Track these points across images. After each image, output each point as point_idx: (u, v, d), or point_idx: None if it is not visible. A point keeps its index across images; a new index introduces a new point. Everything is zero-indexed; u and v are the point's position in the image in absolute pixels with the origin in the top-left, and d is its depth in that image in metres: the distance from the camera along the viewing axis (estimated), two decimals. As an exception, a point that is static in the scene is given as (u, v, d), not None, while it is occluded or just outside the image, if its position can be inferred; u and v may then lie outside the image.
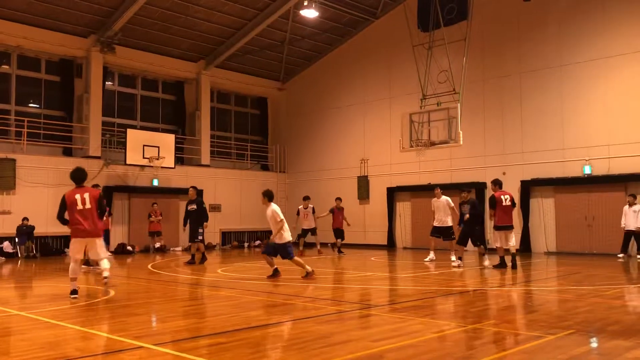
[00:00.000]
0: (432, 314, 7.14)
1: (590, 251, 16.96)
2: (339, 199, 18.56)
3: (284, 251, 10.91)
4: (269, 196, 11.20)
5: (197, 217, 14.63)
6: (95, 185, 11.35)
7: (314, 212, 17.91)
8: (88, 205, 8.56)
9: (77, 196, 8.67)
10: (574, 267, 13.51)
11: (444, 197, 14.44)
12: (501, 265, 12.51)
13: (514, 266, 12.37)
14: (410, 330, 6.10)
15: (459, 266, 13.07)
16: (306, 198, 18.20)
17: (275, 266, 11.21)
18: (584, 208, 17.34)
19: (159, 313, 7.67)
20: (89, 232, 8.49)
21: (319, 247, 18.46)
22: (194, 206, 14.74)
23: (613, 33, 17.14)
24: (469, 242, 14.00)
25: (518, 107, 18.92)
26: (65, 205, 8.69)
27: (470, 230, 13.49)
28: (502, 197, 12.50)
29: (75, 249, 8.60)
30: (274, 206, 11.10)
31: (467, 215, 13.44)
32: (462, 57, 17.10)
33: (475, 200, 14.29)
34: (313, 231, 17.94)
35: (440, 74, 17.50)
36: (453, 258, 13.82)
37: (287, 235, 11.03)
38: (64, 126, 20.06)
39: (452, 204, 14.45)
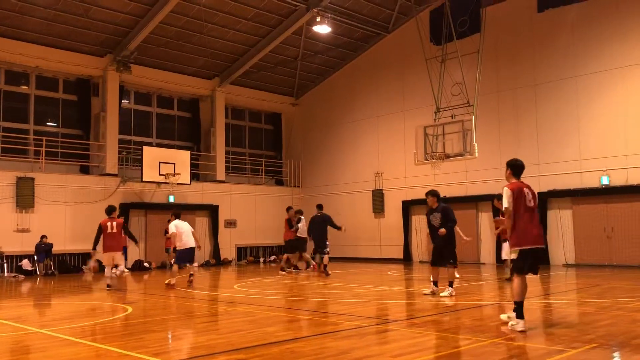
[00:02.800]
0: (451, 328, 7.07)
1: (610, 263, 16.71)
2: (290, 209, 17.51)
3: None
4: None
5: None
6: (111, 208, 12.89)
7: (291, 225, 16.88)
8: (115, 230, 12.56)
9: (108, 223, 12.59)
10: (594, 279, 13.31)
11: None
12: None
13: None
14: (429, 345, 6.04)
15: (450, 295, 10.13)
16: (290, 208, 17.50)
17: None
18: (602, 219, 17.12)
19: (176, 329, 7.68)
20: (114, 247, 12.59)
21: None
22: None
23: (628, 42, 17.03)
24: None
25: (533, 118, 18.82)
26: (101, 229, 12.55)
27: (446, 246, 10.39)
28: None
29: (105, 258, 12.75)
30: None
31: (443, 230, 10.21)
32: (476, 69, 17.08)
33: (448, 206, 10.74)
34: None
35: (454, 87, 17.48)
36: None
37: None
38: (82, 144, 20.32)
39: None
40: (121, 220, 12.93)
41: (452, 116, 16.91)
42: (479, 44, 17.17)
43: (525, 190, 7.13)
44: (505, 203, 7.02)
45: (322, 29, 20.47)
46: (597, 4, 17.71)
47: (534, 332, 6.91)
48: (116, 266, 13.12)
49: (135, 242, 14.08)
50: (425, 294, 10.53)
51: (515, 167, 7.41)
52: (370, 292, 11.94)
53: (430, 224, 10.53)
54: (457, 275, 11.20)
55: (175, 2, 18.38)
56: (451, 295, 10.02)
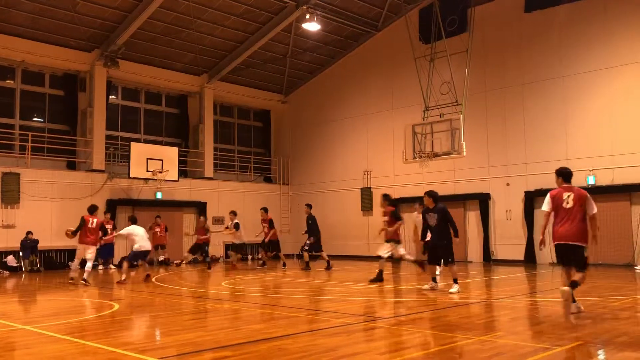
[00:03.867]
0: (438, 326, 7.10)
1: (596, 262, 16.85)
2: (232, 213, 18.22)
3: None
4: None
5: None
6: (94, 207, 13.72)
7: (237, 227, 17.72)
8: (94, 227, 13.17)
9: (90, 219, 13.19)
10: (580, 277, 13.41)
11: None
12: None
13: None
14: (416, 343, 6.06)
15: (457, 291, 10.43)
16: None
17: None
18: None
19: (163, 326, 7.64)
20: (89, 242, 13.06)
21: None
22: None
23: (615, 43, 17.18)
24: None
25: (521, 117, 18.94)
26: (84, 222, 13.04)
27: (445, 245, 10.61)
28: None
29: (80, 250, 13.20)
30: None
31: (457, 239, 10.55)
32: (464, 68, 17.15)
33: (445, 207, 10.77)
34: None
35: (443, 86, 17.54)
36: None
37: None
38: (68, 140, 20.14)
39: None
40: (100, 220, 13.57)
41: (440, 115, 16.98)
42: (467, 43, 17.24)
43: (565, 194, 7.96)
44: (544, 206, 8.20)
45: (312, 26, 20.44)
46: (584, 6, 17.85)
47: (521, 330, 6.96)
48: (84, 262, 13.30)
49: (111, 230, 15.21)
50: (424, 290, 10.74)
51: (563, 174, 8.35)
52: (358, 290, 11.95)
53: (426, 223, 10.78)
54: (438, 273, 11.20)
55: (164, -3, 18.27)
56: (458, 292, 10.29)
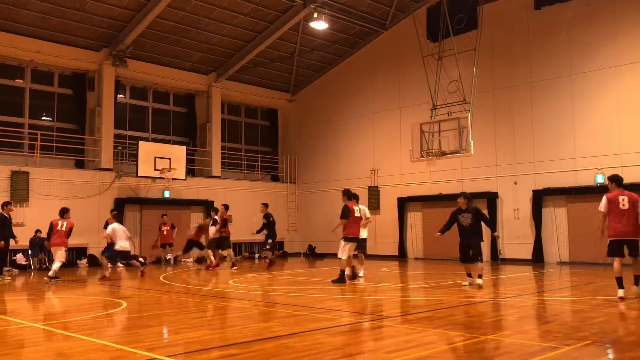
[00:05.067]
0: (446, 325, 7.09)
1: (604, 261, 16.71)
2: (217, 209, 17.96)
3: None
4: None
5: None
6: (65, 209, 14.45)
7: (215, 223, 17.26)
8: (64, 229, 13.94)
9: (59, 222, 14.01)
10: (588, 277, 13.37)
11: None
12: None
13: None
14: (424, 342, 6.05)
15: (470, 284, 11.26)
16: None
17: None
18: (596, 217, 17.12)
19: (171, 324, 7.67)
20: (58, 243, 13.88)
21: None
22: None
23: (623, 41, 17.07)
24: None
25: (529, 116, 18.85)
26: (52, 226, 13.97)
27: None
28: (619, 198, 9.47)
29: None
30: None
31: (497, 234, 11.49)
32: (472, 66, 17.09)
33: (477, 207, 11.58)
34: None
35: (451, 84, 17.48)
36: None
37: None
38: (77, 139, 20.24)
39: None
40: (71, 223, 14.15)
41: (448, 113, 16.92)
42: (475, 42, 17.17)
43: (620, 197, 9.32)
44: (601, 207, 9.49)
45: (319, 25, 20.43)
46: (594, 3, 17.74)
47: (528, 329, 6.94)
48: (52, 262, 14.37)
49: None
50: (464, 286, 11.22)
51: (616, 180, 9.64)
52: (365, 289, 11.95)
53: (459, 224, 11.24)
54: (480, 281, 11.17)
55: (172, -4, 18.33)
56: (480, 287, 10.86)
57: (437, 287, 11.87)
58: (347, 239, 12.07)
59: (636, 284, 9.29)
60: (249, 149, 25.91)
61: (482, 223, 11.30)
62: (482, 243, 11.22)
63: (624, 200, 9.27)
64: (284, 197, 25.22)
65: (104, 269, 14.20)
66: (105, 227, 17.88)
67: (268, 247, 16.72)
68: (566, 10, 18.26)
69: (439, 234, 11.56)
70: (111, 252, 14.67)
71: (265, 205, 17.05)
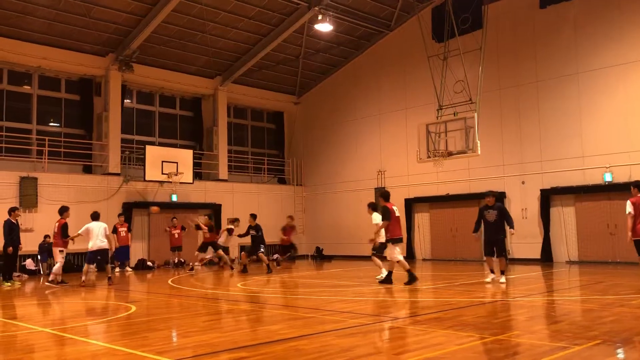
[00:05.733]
0: (455, 325, 7.06)
1: (614, 260, 16.68)
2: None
3: None
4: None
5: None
6: (62, 209, 14.39)
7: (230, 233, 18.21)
8: (55, 230, 14.12)
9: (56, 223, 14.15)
10: (597, 276, 13.29)
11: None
12: None
13: None
14: (433, 343, 6.03)
15: (493, 280, 11.86)
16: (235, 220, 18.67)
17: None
18: (605, 216, 17.09)
19: (180, 328, 7.69)
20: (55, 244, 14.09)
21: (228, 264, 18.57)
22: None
23: (630, 38, 16.98)
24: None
25: (536, 115, 18.78)
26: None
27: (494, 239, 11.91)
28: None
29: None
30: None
31: (513, 230, 11.91)
32: (478, 66, 17.05)
33: (502, 205, 12.78)
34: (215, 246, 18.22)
35: (456, 84, 17.45)
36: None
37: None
38: (84, 144, 20.35)
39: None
40: (63, 221, 14.13)
41: (454, 113, 16.89)
42: (481, 41, 17.13)
43: None
44: (627, 209, 10.62)
45: (324, 27, 20.45)
46: (598, 1, 17.65)
47: (538, 329, 6.91)
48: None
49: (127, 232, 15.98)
50: (487, 282, 11.75)
51: (639, 186, 10.87)
52: (374, 290, 11.93)
53: (485, 219, 11.97)
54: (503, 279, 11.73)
55: (177, 1, 18.39)
56: (502, 284, 11.41)
57: (445, 288, 11.84)
58: (393, 241, 11.87)
59: None
60: (256, 152, 25.94)
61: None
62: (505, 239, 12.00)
63: None
64: (290, 200, 25.24)
65: (83, 273, 13.82)
66: (114, 231, 18.04)
67: (262, 250, 17.05)
68: (571, 8, 18.19)
69: (474, 234, 12.28)
70: (89, 255, 13.76)
71: (254, 216, 17.35)
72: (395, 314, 8.64)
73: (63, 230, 13.90)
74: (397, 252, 11.94)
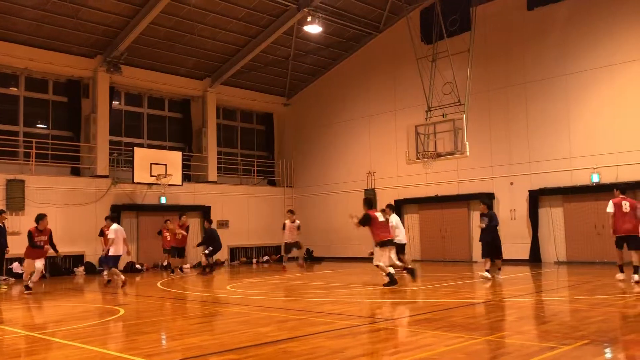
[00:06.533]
0: (444, 326, 7.08)
1: (602, 260, 16.81)
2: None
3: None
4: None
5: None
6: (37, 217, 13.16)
7: (299, 228, 17.86)
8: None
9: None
10: (585, 276, 13.39)
11: None
12: None
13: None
14: (422, 344, 6.05)
15: (489, 278, 12.78)
16: (291, 212, 18.30)
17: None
18: (593, 216, 17.22)
19: (169, 331, 7.65)
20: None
21: (301, 261, 18.46)
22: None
23: (617, 40, 17.13)
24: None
25: (524, 116, 18.90)
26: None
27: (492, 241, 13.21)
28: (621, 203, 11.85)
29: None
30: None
31: (482, 226, 13.34)
32: (467, 68, 17.14)
33: (493, 212, 14.05)
34: (297, 245, 17.86)
35: (445, 86, 17.52)
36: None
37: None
38: (72, 146, 20.20)
39: None
40: (30, 228, 13.01)
41: (443, 115, 16.96)
42: (469, 43, 17.22)
43: (624, 202, 11.72)
44: (609, 209, 11.76)
45: (313, 28, 20.46)
46: (586, 2, 17.81)
47: (527, 330, 6.94)
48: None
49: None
50: (482, 276, 12.89)
51: (620, 189, 12.13)
52: (364, 292, 11.94)
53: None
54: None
55: (165, 2, 18.31)
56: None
57: (434, 289, 11.87)
58: (381, 244, 12.02)
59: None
60: (245, 154, 25.89)
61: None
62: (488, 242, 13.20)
63: (625, 205, 11.71)
64: (280, 201, 25.21)
65: (114, 275, 13.89)
66: (101, 234, 17.89)
67: (207, 252, 17.72)
68: (559, 10, 18.32)
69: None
70: (107, 257, 14.05)
71: (209, 221, 18.44)
72: (385, 315, 8.65)
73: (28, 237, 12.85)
74: (383, 256, 12.02)
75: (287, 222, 17.84)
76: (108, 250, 13.98)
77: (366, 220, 12.05)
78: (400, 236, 14.35)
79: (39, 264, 12.71)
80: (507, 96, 19.31)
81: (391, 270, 12.03)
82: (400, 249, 14.34)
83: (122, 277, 13.57)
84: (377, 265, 12.13)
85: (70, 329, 7.76)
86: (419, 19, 20.97)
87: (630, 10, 16.98)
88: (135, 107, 22.68)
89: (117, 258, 14.10)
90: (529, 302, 9.58)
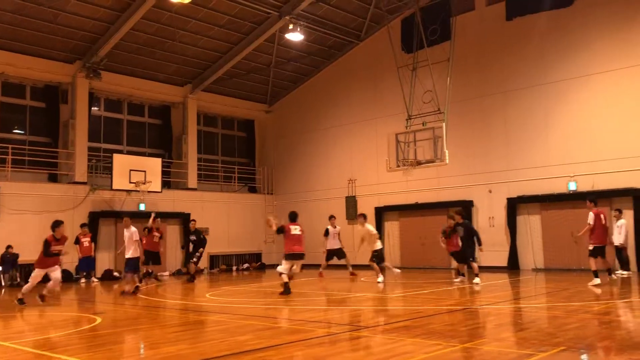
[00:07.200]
0: (423, 334, 7.11)
1: (578, 267, 17.02)
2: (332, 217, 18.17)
3: None
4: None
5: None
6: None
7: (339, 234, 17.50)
8: None
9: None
10: (562, 283, 13.55)
11: None
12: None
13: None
14: (401, 352, 6.06)
15: (462, 282, 14.04)
16: (333, 217, 17.94)
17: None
18: (570, 224, 17.42)
19: (146, 339, 7.56)
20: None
21: (350, 269, 17.82)
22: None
23: (593, 51, 17.44)
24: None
25: (502, 125, 19.12)
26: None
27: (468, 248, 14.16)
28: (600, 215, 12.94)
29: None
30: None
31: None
32: (446, 77, 17.31)
33: (468, 222, 15.08)
34: (341, 253, 17.39)
35: (425, 94, 17.68)
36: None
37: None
38: (50, 152, 19.93)
39: None
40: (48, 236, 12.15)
41: (423, 123, 17.10)
42: (449, 52, 17.41)
43: (602, 215, 12.83)
44: (590, 221, 12.70)
45: (295, 36, 20.52)
46: (564, 14, 18.12)
47: (505, 337, 7.00)
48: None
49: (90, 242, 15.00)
50: (455, 282, 14.02)
51: (594, 201, 13.08)
52: (344, 299, 11.94)
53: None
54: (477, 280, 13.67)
55: (146, 8, 18.21)
56: (470, 282, 13.66)
57: (414, 296, 11.92)
58: (287, 256, 12.41)
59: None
60: (226, 161, 25.79)
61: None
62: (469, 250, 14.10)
63: (603, 217, 12.86)
64: (261, 209, 25.12)
65: (130, 281, 13.43)
66: (76, 242, 17.60)
67: (195, 259, 17.57)
68: (537, 21, 18.61)
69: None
70: (132, 261, 13.37)
71: (194, 221, 18.32)
72: (364, 322, 8.65)
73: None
74: (284, 268, 12.32)
75: (330, 227, 17.50)
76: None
77: (280, 231, 12.53)
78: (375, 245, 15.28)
79: (58, 273, 11.81)
80: (486, 105, 19.53)
81: (286, 279, 12.24)
82: (378, 255, 15.22)
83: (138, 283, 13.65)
84: (280, 274, 12.42)
85: (45, 338, 7.63)
86: (400, 28, 21.16)
87: (605, 22, 17.32)
88: (114, 113, 22.47)
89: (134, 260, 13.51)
90: (507, 309, 9.66)
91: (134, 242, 13.31)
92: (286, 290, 12.05)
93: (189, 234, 17.45)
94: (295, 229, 12.54)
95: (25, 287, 12.02)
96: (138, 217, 20.51)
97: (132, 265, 13.36)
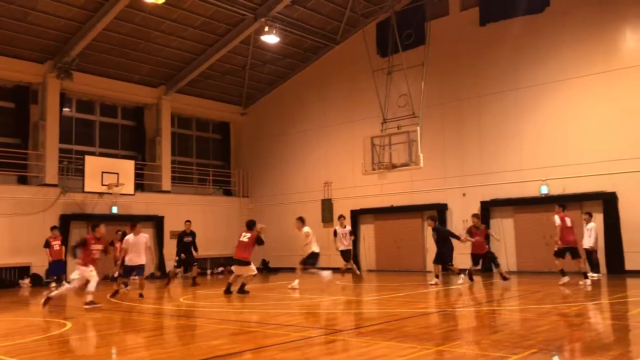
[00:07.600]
0: (397, 337, 7.13)
1: (550, 269, 17.26)
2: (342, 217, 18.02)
3: None
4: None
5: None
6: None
7: (352, 233, 17.43)
8: None
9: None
10: (534, 286, 13.75)
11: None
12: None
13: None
14: (376, 355, 6.06)
15: (436, 284, 14.28)
16: (342, 217, 17.84)
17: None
18: (542, 227, 17.69)
19: (118, 345, 7.43)
20: None
21: (358, 271, 17.82)
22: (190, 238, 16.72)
23: (564, 56, 17.76)
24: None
25: (476, 129, 19.34)
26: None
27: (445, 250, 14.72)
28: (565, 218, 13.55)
29: None
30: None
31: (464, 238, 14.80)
32: (421, 81, 17.46)
33: (440, 226, 15.71)
34: (348, 255, 17.21)
35: (400, 98, 17.81)
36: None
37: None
38: (19, 154, 19.51)
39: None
40: (88, 236, 12.07)
41: (398, 127, 17.21)
42: (423, 57, 17.56)
43: (567, 218, 13.46)
44: (557, 222, 13.29)
45: (271, 38, 20.48)
46: (536, 20, 18.42)
47: (478, 339, 7.05)
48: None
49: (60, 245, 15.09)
50: (431, 284, 14.20)
51: (563, 206, 13.67)
52: (319, 302, 11.92)
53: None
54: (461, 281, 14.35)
55: (120, 8, 17.97)
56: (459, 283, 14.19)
57: (389, 299, 11.96)
58: (231, 261, 14.04)
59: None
60: (201, 163, 25.58)
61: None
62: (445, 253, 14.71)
63: (568, 220, 13.45)
64: (237, 212, 24.97)
65: (141, 285, 13.29)
66: (46, 246, 17.09)
67: (195, 263, 17.23)
68: (510, 26, 18.88)
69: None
70: (143, 267, 13.37)
71: (189, 222, 17.59)
72: (340, 326, 8.64)
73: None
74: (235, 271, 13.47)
75: (338, 228, 17.39)
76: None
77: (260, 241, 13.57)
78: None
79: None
80: (460, 109, 19.74)
81: (230, 280, 13.43)
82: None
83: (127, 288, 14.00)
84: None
85: (15, 344, 7.45)
86: (375, 32, 21.28)
87: (577, 29, 17.65)
88: (86, 115, 22.11)
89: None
90: (481, 311, 9.75)
91: (148, 248, 13.39)
92: (227, 290, 13.24)
93: (184, 236, 16.76)
94: (243, 236, 13.34)
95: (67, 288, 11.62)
96: (111, 220, 20.27)
97: (142, 270, 13.33)
